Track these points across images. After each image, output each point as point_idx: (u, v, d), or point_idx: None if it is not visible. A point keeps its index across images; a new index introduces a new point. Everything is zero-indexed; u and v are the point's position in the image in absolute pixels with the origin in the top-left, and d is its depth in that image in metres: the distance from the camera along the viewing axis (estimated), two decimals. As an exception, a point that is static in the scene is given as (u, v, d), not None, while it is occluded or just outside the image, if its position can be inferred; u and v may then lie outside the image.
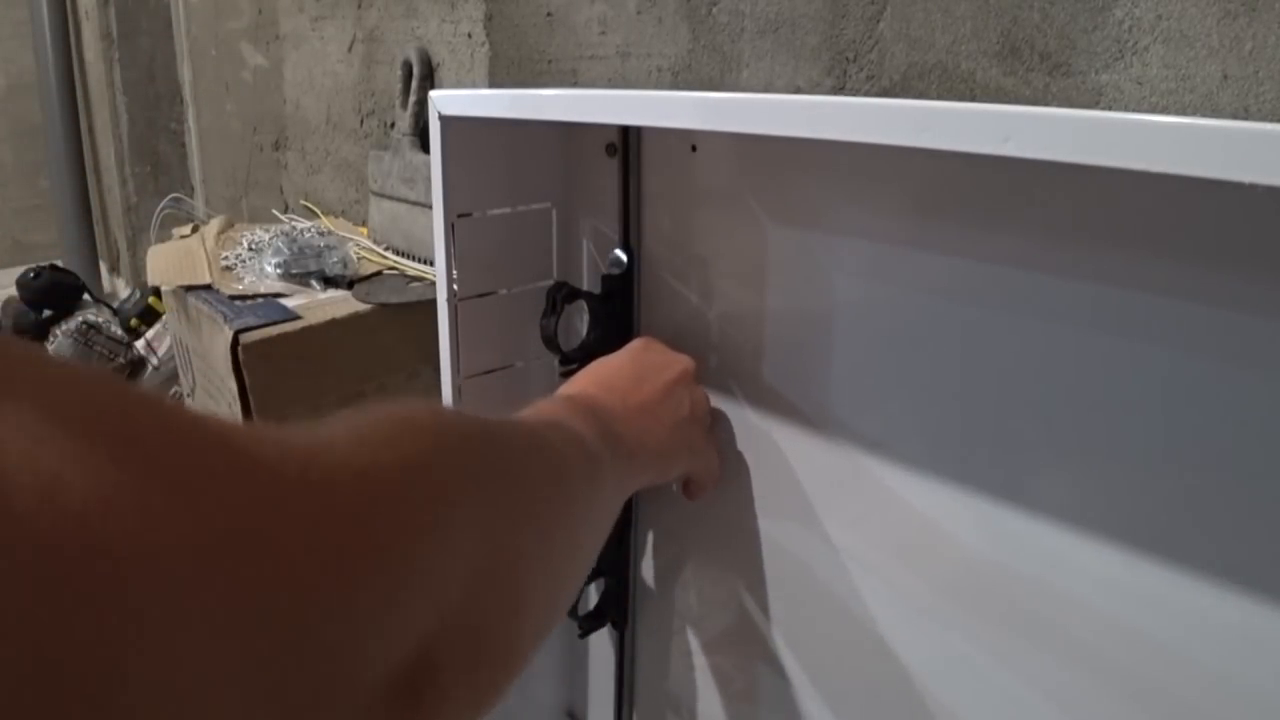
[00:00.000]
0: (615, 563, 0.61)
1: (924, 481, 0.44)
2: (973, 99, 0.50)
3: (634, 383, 0.47)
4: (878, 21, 0.54)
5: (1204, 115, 0.40)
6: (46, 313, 1.69)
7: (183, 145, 1.95)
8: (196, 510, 0.16)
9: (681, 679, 0.62)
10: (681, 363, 0.50)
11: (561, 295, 0.52)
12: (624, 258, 0.55)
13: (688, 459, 0.49)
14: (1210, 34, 0.40)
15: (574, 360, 0.54)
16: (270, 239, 1.00)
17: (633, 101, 0.41)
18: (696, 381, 0.51)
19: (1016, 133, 0.27)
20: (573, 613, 0.60)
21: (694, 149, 0.51)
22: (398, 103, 1.02)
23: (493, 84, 0.90)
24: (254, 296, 0.89)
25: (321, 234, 1.04)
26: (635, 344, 0.52)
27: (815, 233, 0.46)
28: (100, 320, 1.61)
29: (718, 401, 0.54)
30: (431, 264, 0.90)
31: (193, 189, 1.92)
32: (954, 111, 0.29)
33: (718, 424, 0.54)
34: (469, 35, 0.92)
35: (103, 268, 2.47)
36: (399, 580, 0.21)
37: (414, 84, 0.99)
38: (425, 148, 0.97)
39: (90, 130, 2.37)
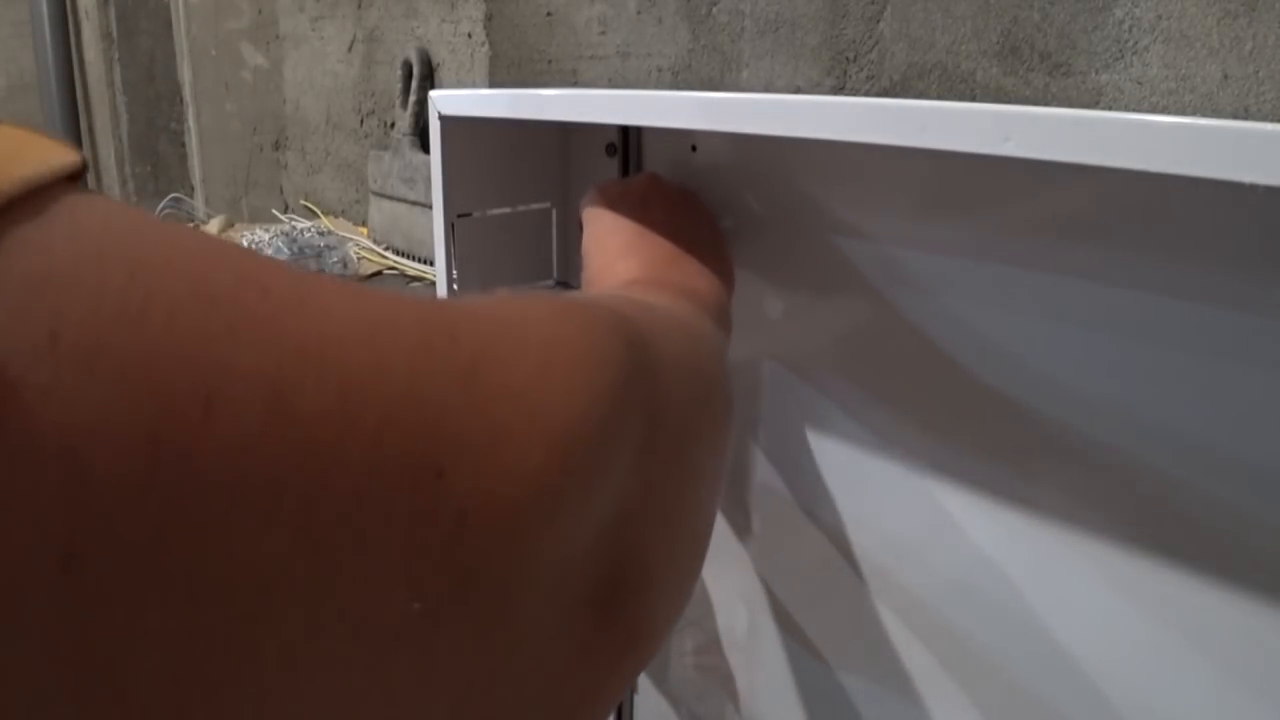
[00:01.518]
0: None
1: (924, 481, 0.44)
2: (973, 99, 0.50)
3: (640, 242, 0.44)
4: (878, 21, 0.54)
5: (1204, 115, 0.40)
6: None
7: (183, 145, 1.95)
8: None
9: (681, 679, 0.62)
10: (647, 188, 0.46)
11: (561, 295, 0.52)
12: (624, 258, 0.55)
13: (729, 259, 0.46)
14: (1210, 34, 0.40)
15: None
16: (270, 239, 1.00)
17: (633, 101, 0.41)
18: (664, 182, 0.48)
19: (1016, 133, 0.27)
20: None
21: (694, 149, 0.51)
22: (398, 103, 1.02)
23: (493, 84, 0.90)
24: (254, 296, 0.88)
25: (321, 234, 1.04)
26: (595, 210, 0.46)
27: (815, 232, 0.46)
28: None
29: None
30: (431, 264, 0.90)
31: (193, 189, 1.92)
32: (954, 111, 0.29)
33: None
34: (469, 35, 0.92)
35: (103, 268, 2.46)
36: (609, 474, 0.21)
37: (414, 84, 0.99)
38: (425, 148, 0.97)
39: (90, 130, 2.37)
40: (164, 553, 0.12)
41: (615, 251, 0.43)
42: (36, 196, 0.13)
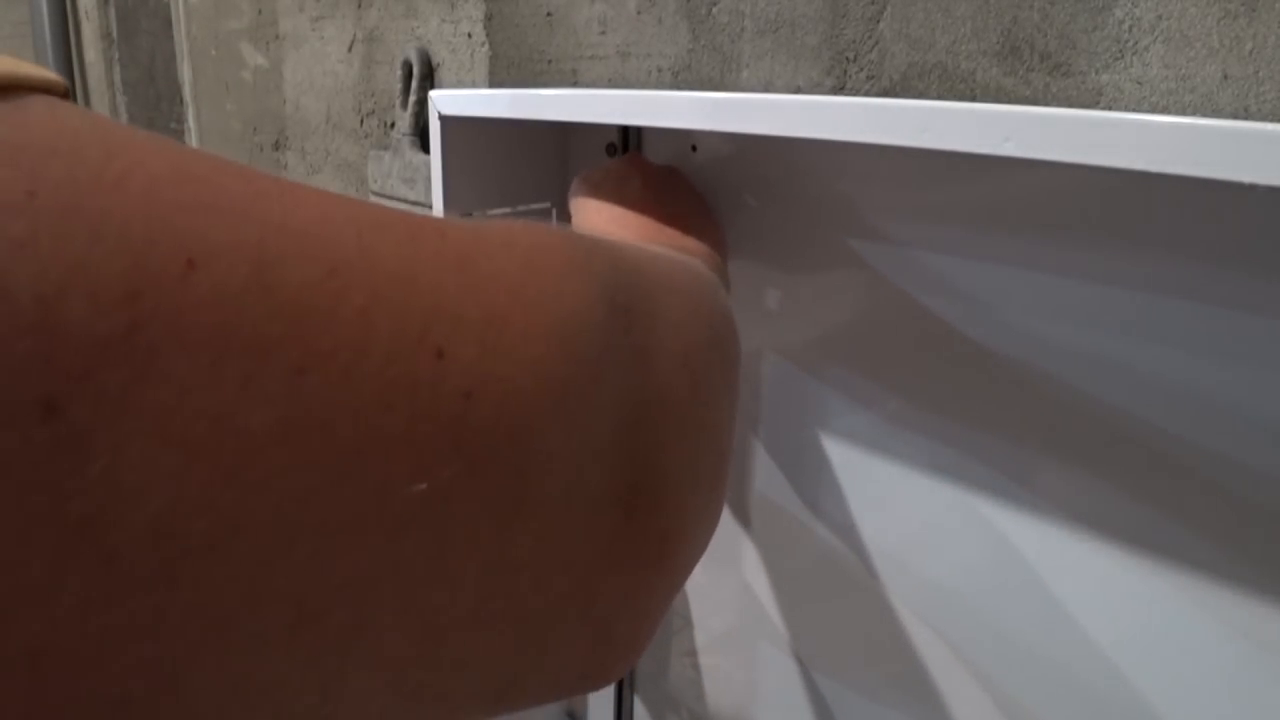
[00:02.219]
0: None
1: (924, 481, 0.44)
2: (973, 99, 0.50)
3: (625, 215, 0.44)
4: (878, 21, 0.54)
5: (1204, 115, 0.40)
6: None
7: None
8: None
9: (681, 679, 0.62)
10: (624, 168, 0.46)
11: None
12: (624, 258, 0.55)
13: (716, 220, 0.47)
14: (1210, 34, 0.40)
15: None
16: (270, 239, 1.00)
17: (633, 101, 0.41)
18: (641, 160, 0.48)
19: (1016, 133, 0.27)
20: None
21: (694, 149, 0.51)
22: (398, 103, 1.02)
23: (493, 84, 0.90)
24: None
25: (321, 234, 1.04)
26: (579, 197, 0.47)
27: (815, 232, 0.46)
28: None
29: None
30: (431, 264, 0.90)
31: (193, 189, 1.91)
32: (954, 111, 0.29)
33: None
34: (469, 35, 0.92)
35: (103, 268, 2.46)
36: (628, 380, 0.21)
37: (414, 84, 0.99)
38: (425, 148, 0.97)
39: (90, 130, 2.37)
40: (145, 406, 0.12)
41: (601, 228, 0.43)
42: (15, 90, 0.13)
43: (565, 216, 0.59)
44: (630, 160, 0.47)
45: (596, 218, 0.44)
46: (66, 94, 0.14)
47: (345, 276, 0.15)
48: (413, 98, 0.98)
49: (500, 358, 0.17)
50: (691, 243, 0.42)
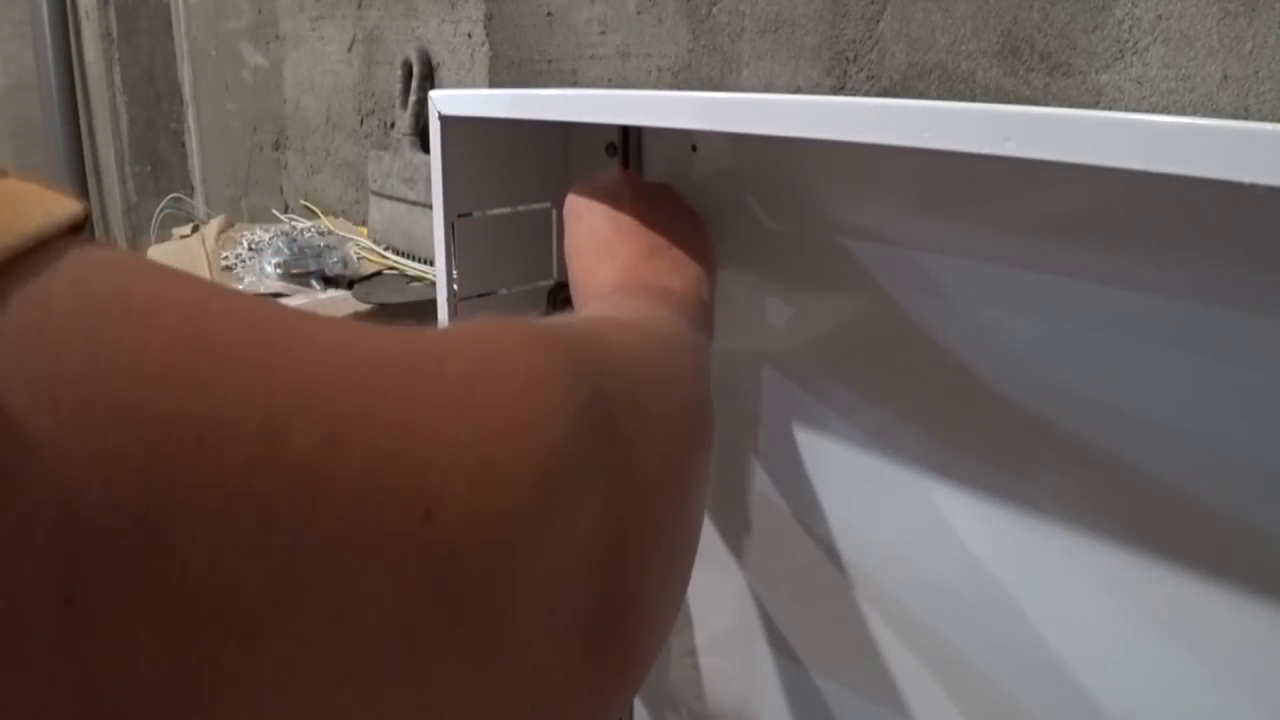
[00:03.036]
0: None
1: (925, 481, 0.44)
2: (973, 99, 0.50)
3: (615, 240, 0.44)
4: (878, 21, 0.54)
5: (1204, 115, 0.40)
6: (47, 313, 1.69)
7: (183, 145, 1.95)
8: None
9: (681, 679, 0.62)
10: (619, 186, 0.46)
11: (561, 295, 0.52)
12: (624, 258, 0.55)
13: (709, 245, 0.47)
14: (1210, 34, 0.40)
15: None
16: (270, 239, 1.00)
17: (633, 101, 0.41)
18: (637, 179, 0.48)
19: (1016, 133, 0.27)
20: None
21: (694, 149, 0.51)
22: (398, 103, 1.02)
23: (493, 84, 0.90)
24: (254, 296, 0.88)
25: (321, 234, 1.05)
26: (573, 211, 0.47)
27: (815, 232, 0.46)
28: (100, 320, 1.61)
29: (718, 402, 0.54)
30: (431, 264, 0.90)
31: (193, 189, 1.92)
32: (954, 111, 0.29)
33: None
34: (469, 35, 0.92)
35: (103, 268, 2.46)
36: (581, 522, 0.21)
37: (414, 84, 0.99)
38: (425, 148, 0.97)
39: (90, 130, 2.37)
40: (157, 584, 0.13)
41: (593, 255, 0.44)
42: (39, 250, 0.13)
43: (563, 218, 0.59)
44: (624, 177, 0.48)
45: (589, 242, 0.45)
46: (86, 217, 0.15)
47: (346, 440, 0.15)
48: (413, 98, 0.98)
49: (487, 502, 0.18)
50: (681, 280, 0.42)
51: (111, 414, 0.13)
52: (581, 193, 0.47)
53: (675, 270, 0.43)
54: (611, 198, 0.46)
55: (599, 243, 0.44)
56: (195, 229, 1.12)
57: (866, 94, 0.56)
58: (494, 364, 0.20)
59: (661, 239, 0.44)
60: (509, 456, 0.18)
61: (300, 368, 0.15)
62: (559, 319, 0.33)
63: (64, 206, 0.14)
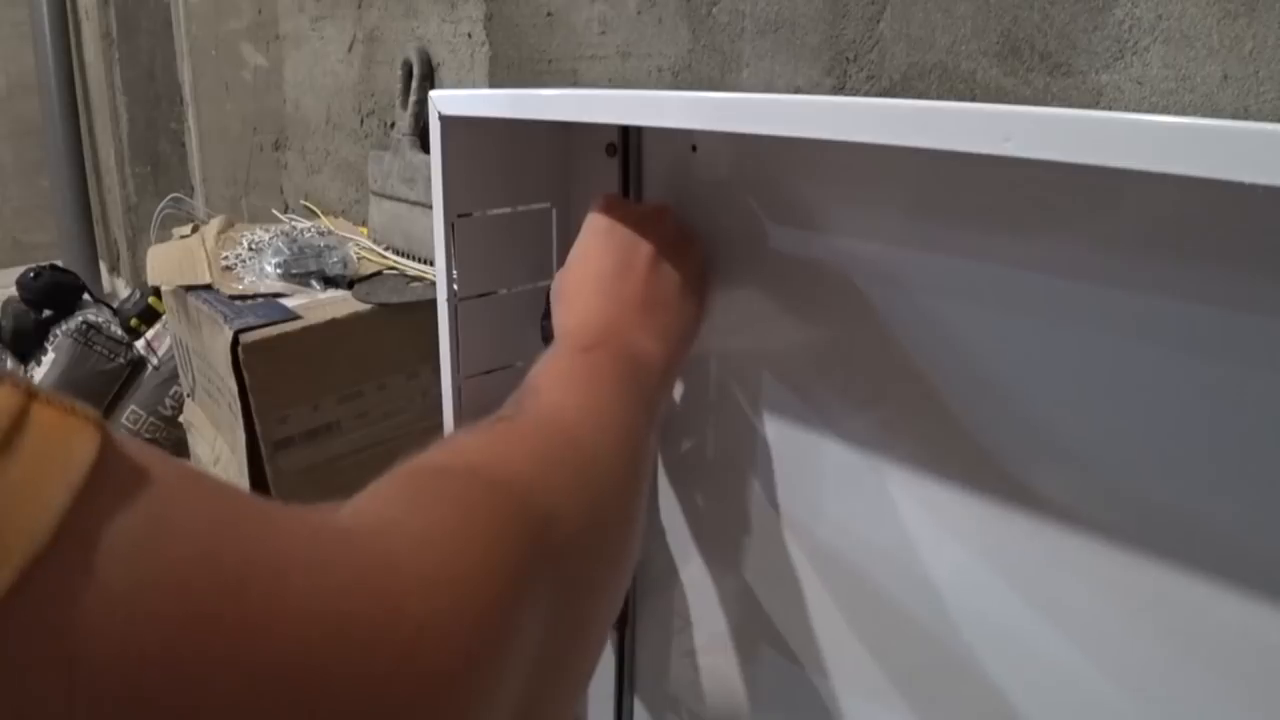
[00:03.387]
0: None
1: (925, 481, 0.44)
2: (973, 99, 0.50)
3: (619, 278, 0.45)
4: (878, 21, 0.54)
5: (1204, 115, 0.40)
6: (46, 313, 1.69)
7: (183, 145, 1.95)
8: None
9: (681, 679, 0.62)
10: (649, 222, 0.47)
11: (561, 295, 0.52)
12: (624, 258, 0.55)
13: (700, 313, 0.48)
14: (1210, 34, 0.40)
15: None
16: (270, 239, 1.00)
17: (633, 101, 0.41)
18: (669, 221, 0.48)
19: (1016, 133, 0.27)
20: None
21: (694, 149, 0.51)
22: (398, 103, 1.02)
23: (493, 84, 0.90)
24: (254, 296, 0.89)
25: (321, 234, 1.05)
26: (596, 226, 0.47)
27: (815, 232, 0.46)
28: (100, 320, 1.61)
29: (718, 403, 0.54)
30: (431, 264, 0.90)
31: (193, 189, 1.91)
32: (954, 111, 0.29)
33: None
34: (469, 35, 0.92)
35: (103, 268, 2.47)
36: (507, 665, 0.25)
37: (414, 84, 0.99)
38: (425, 148, 0.97)
39: (90, 130, 2.37)
40: None
41: (592, 283, 0.45)
42: (61, 542, 0.16)
43: (566, 217, 0.59)
44: (657, 213, 0.48)
45: (584, 286, 0.46)
46: (104, 440, 0.17)
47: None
48: (413, 98, 0.98)
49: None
50: (655, 344, 0.44)
51: (112, 698, 0.16)
52: (611, 210, 0.47)
53: (657, 334, 0.44)
54: (639, 226, 0.47)
55: (600, 274, 0.45)
56: (195, 229, 1.12)
57: (866, 94, 0.56)
58: (438, 579, 0.23)
59: (660, 295, 0.45)
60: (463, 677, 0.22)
61: (278, 621, 0.19)
62: (500, 448, 0.34)
63: (78, 451, 0.17)
